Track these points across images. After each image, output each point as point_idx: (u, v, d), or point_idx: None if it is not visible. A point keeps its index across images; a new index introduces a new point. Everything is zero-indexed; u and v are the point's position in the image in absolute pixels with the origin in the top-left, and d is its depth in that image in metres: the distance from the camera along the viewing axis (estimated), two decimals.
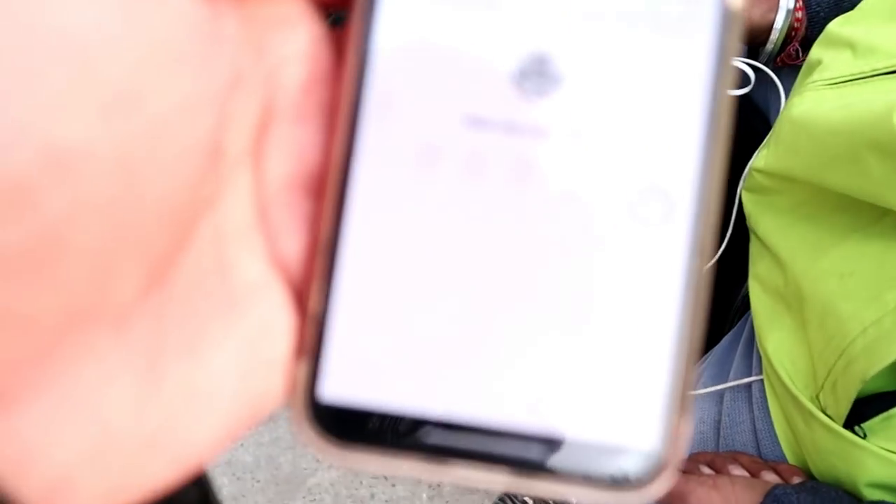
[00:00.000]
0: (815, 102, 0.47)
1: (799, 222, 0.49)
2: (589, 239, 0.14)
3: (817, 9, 0.63)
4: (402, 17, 0.14)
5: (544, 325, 0.14)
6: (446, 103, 0.14)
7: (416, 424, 0.13)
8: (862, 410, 0.43)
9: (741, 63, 0.63)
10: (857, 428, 0.43)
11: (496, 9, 0.14)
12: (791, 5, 0.63)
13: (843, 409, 0.43)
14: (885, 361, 0.39)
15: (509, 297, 0.14)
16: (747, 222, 0.56)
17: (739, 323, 0.61)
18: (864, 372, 0.40)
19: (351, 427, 0.13)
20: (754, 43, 0.66)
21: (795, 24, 0.63)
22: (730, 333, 0.61)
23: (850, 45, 0.48)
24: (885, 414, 0.42)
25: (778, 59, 0.66)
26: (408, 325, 0.14)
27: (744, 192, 0.56)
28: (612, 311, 0.14)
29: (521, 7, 0.14)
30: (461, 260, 0.14)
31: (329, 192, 0.14)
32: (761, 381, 0.52)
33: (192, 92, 0.11)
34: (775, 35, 0.63)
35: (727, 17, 0.14)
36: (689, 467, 0.48)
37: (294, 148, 0.14)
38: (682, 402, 0.13)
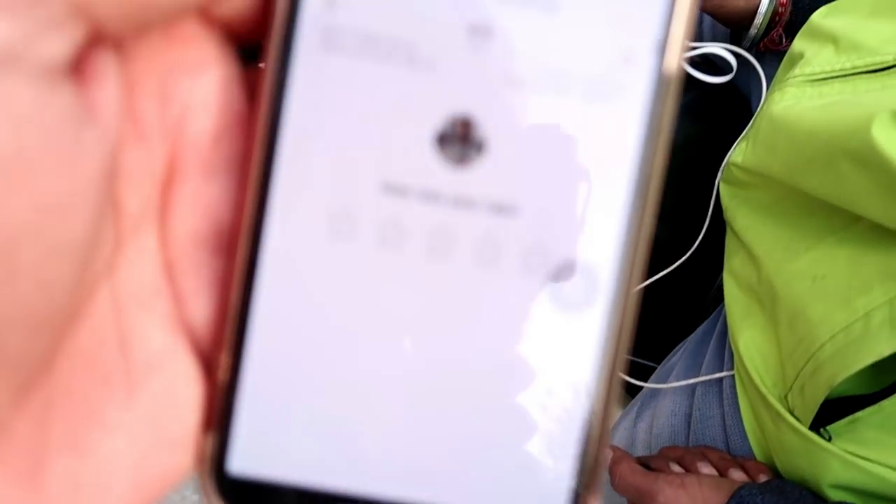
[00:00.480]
0: (795, 99, 0.46)
1: (774, 220, 0.49)
2: (504, 317, 0.13)
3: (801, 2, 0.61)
4: (318, 70, 0.13)
5: (455, 404, 0.13)
6: (363, 167, 0.13)
7: (325, 499, 0.13)
8: (828, 412, 0.44)
9: (723, 49, 0.62)
10: (822, 430, 0.43)
11: (420, 68, 0.13)
12: None
13: (811, 412, 0.43)
14: (853, 369, 0.40)
15: (420, 374, 0.13)
16: (724, 215, 0.56)
17: (714, 314, 0.61)
18: (831, 378, 0.41)
19: (260, 500, 0.13)
20: (738, 27, 0.64)
21: (780, 10, 0.62)
22: (704, 324, 0.61)
23: (833, 40, 0.47)
24: (850, 417, 0.43)
25: (761, 45, 0.65)
26: (317, 399, 0.13)
27: (722, 184, 0.56)
28: (524, 391, 0.13)
29: (447, 67, 0.13)
30: (372, 334, 0.13)
31: (239, 255, 0.13)
32: (732, 376, 0.52)
33: (54, 190, 0.10)
34: (759, 20, 0.62)
35: (663, 83, 0.13)
36: (659, 464, 0.48)
37: (201, 203, 0.13)
38: (589, 483, 0.13)
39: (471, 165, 0.13)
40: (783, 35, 0.64)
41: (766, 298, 0.48)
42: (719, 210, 0.58)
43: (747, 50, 0.64)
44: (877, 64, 0.43)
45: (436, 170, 0.13)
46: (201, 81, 0.13)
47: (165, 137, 0.13)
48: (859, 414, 0.42)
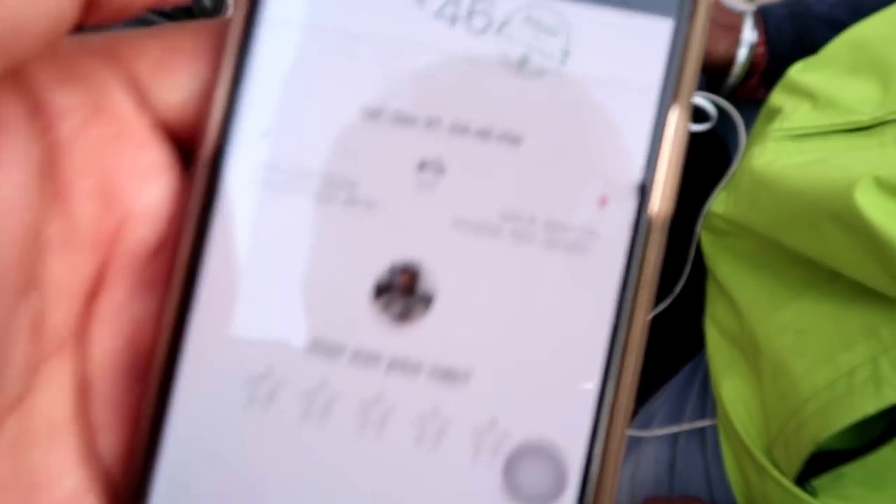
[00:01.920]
0: (775, 154, 0.47)
1: (756, 270, 0.50)
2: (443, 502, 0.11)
3: (778, 45, 0.63)
4: (246, 204, 0.12)
5: None
6: (290, 320, 0.12)
7: None
8: (813, 466, 0.44)
9: (701, 98, 0.63)
10: (807, 485, 0.44)
11: (359, 207, 0.12)
12: (753, 39, 0.63)
13: (795, 467, 0.43)
14: (837, 427, 0.40)
15: None
16: (705, 262, 0.56)
17: (697, 358, 0.61)
18: (815, 436, 0.41)
19: None
20: (715, 74, 0.65)
21: (757, 59, 0.63)
22: (687, 368, 0.61)
23: (811, 96, 0.48)
24: (835, 472, 0.43)
25: (739, 93, 0.66)
26: None
27: (703, 232, 0.56)
28: None
29: (390, 208, 0.12)
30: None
31: (148, 395, 0.12)
32: (715, 425, 0.52)
33: None
34: (737, 69, 0.63)
35: (645, 230, 0.12)
36: None
37: (125, 321, 0.12)
38: None
39: (414, 323, 0.12)
40: (760, 84, 0.65)
41: (749, 349, 0.49)
42: (699, 254, 0.58)
43: (725, 97, 0.65)
44: (854, 123, 0.44)
45: (373, 327, 0.12)
46: (149, 190, 0.12)
47: (99, 247, 0.12)
48: (844, 469, 0.43)
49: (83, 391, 0.12)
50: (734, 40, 0.63)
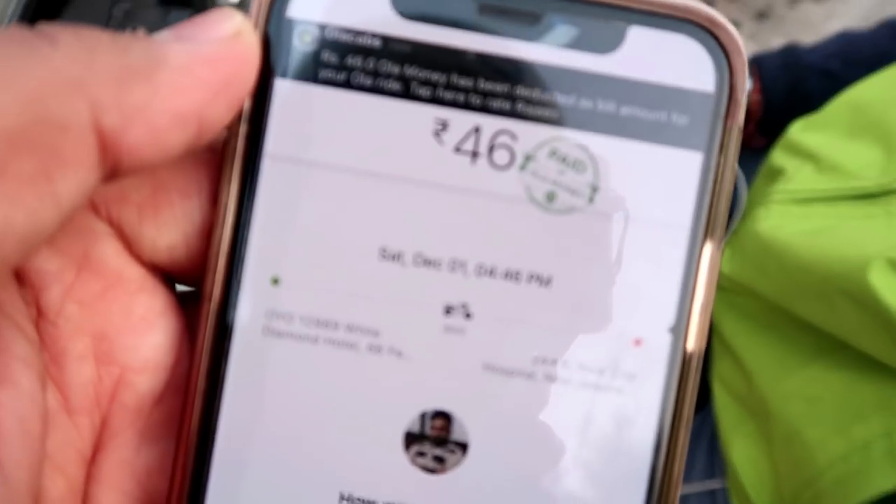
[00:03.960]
0: (780, 218, 0.47)
1: (764, 332, 0.49)
2: None
3: (773, 94, 0.63)
4: (259, 355, 0.11)
5: None
6: (318, 478, 0.11)
7: None
8: None
9: None
10: None
11: (384, 355, 0.11)
12: (748, 87, 0.64)
13: None
14: (855, 500, 0.40)
15: None
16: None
17: (703, 412, 0.61)
18: None
19: None
20: None
21: (752, 107, 0.64)
22: (694, 422, 0.61)
23: (813, 158, 0.48)
24: None
25: None
26: None
27: None
28: None
29: (417, 356, 0.11)
30: None
31: None
32: (724, 489, 0.52)
33: None
34: None
35: (680, 368, 0.12)
36: None
37: (131, 474, 0.12)
38: None
39: (449, 471, 0.12)
40: (756, 132, 0.65)
41: (758, 412, 0.48)
42: None
43: None
44: (859, 189, 0.44)
45: (406, 478, 0.11)
46: (147, 342, 0.12)
47: (98, 406, 0.12)
48: None
49: None
50: None
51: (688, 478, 0.56)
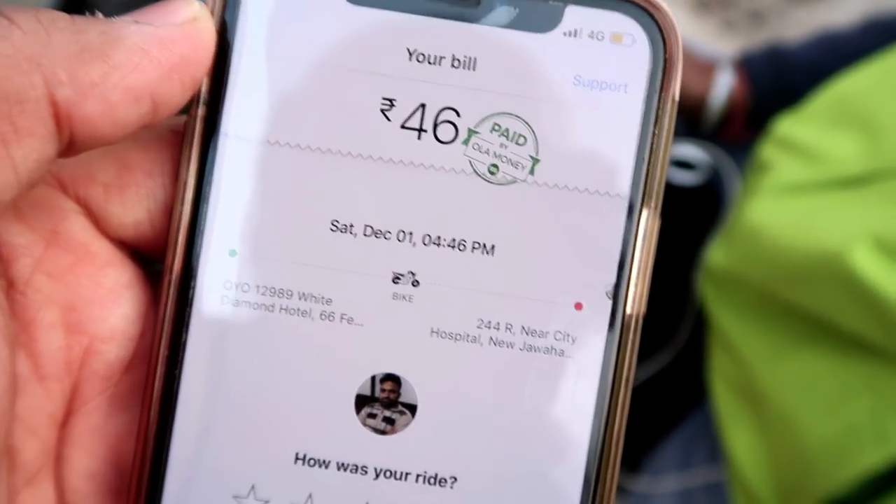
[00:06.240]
0: (769, 211, 0.48)
1: (757, 322, 0.50)
2: None
3: (761, 88, 0.64)
4: (218, 322, 0.12)
5: None
6: (273, 438, 0.12)
7: None
8: None
9: (693, 146, 0.64)
10: None
11: (336, 322, 0.12)
12: (730, 80, 0.64)
13: None
14: (845, 480, 0.40)
15: None
16: (704, 310, 0.57)
17: (701, 406, 0.62)
18: (825, 489, 0.41)
19: None
20: (691, 116, 0.66)
21: (738, 101, 0.64)
22: (693, 417, 0.62)
23: (799, 150, 0.49)
24: None
25: (726, 136, 0.67)
26: None
27: (702, 282, 0.57)
28: None
29: (368, 322, 0.12)
30: None
31: None
32: (725, 481, 0.52)
33: None
34: (714, 109, 0.64)
35: (620, 331, 0.12)
36: None
37: (101, 440, 0.12)
38: None
39: (399, 432, 0.12)
40: (746, 127, 0.66)
41: (754, 400, 0.49)
42: (695, 300, 0.59)
43: (707, 139, 0.66)
44: (843, 177, 0.45)
45: (358, 439, 0.12)
46: (114, 312, 0.12)
47: (68, 373, 0.12)
48: None
49: None
50: (707, 81, 0.64)
51: (688, 472, 0.57)
